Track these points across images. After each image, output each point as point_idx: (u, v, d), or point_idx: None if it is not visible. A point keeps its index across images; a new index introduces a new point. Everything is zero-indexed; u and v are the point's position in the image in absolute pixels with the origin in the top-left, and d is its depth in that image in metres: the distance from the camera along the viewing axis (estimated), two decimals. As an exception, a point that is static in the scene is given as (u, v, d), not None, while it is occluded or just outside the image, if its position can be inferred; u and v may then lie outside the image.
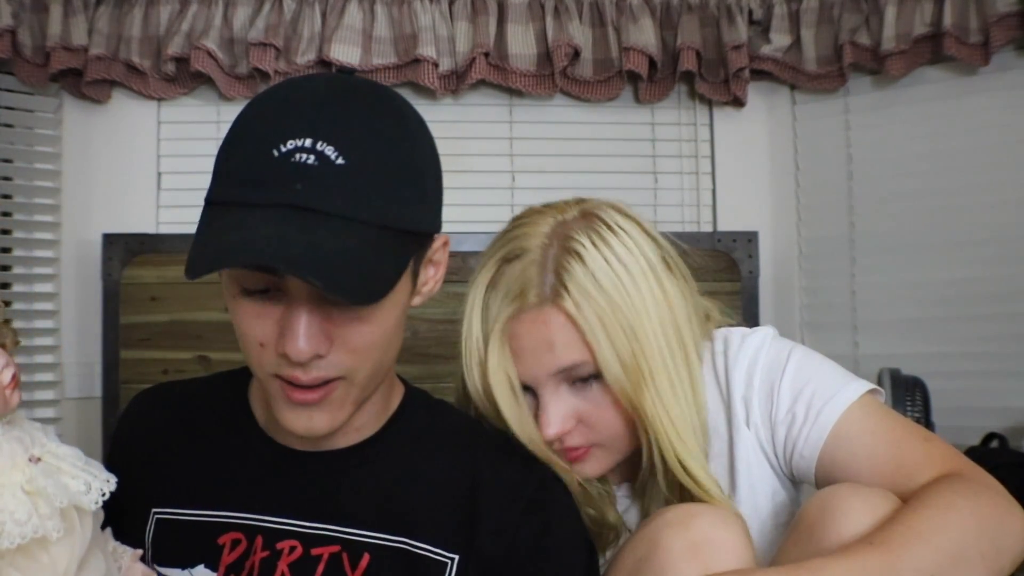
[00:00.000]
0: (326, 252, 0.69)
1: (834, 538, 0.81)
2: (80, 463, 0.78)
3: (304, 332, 0.73)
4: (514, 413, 0.94)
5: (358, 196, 0.71)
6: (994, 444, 1.77)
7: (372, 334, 0.76)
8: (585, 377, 0.95)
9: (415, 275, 0.81)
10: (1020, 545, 0.83)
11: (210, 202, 0.76)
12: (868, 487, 0.86)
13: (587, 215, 0.97)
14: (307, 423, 0.78)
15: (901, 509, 0.82)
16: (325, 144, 0.70)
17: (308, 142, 0.70)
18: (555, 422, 0.94)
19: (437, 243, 0.83)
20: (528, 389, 0.97)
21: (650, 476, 1.00)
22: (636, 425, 0.96)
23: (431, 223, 0.80)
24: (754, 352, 1.00)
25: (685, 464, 0.96)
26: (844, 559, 0.77)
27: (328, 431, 0.80)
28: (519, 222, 0.99)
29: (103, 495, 0.76)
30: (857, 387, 0.95)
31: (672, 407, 0.95)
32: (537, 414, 0.96)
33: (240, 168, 0.72)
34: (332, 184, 0.70)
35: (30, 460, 0.74)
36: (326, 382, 0.76)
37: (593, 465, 0.99)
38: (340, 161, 0.70)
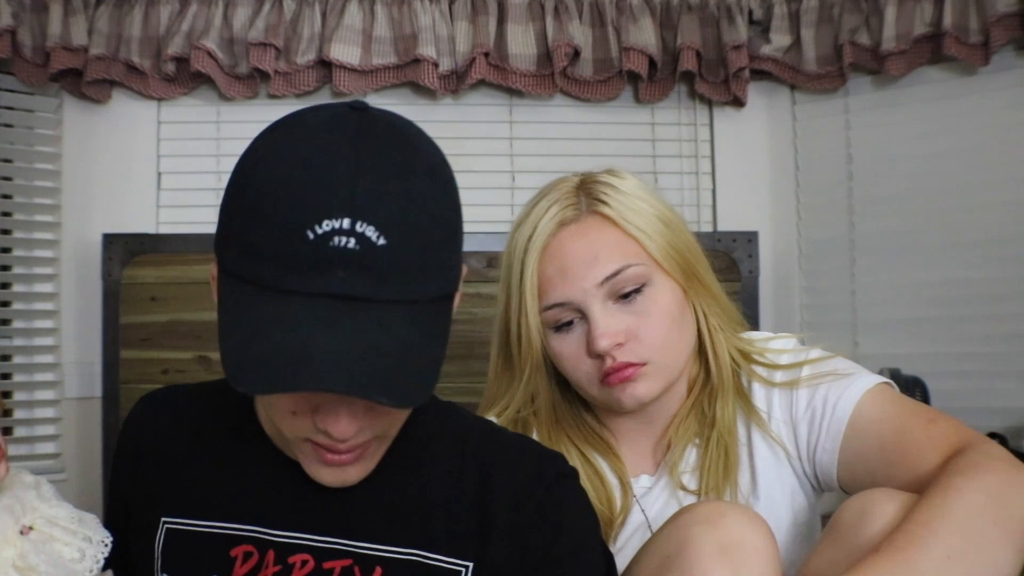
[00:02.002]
0: (385, 359, 0.66)
1: (870, 540, 0.82)
2: (73, 524, 0.77)
3: (347, 414, 0.71)
4: (564, 344, 1.01)
5: (403, 278, 0.68)
6: (994, 444, 1.77)
7: None
8: (629, 291, 0.99)
9: None
10: None
11: (232, 274, 0.71)
12: (905, 492, 0.87)
13: (597, 172, 1.08)
14: (340, 477, 0.78)
15: (909, 511, 0.83)
16: (365, 224, 0.66)
17: (346, 223, 0.66)
18: (606, 333, 0.98)
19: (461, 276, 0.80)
20: (569, 324, 1.01)
21: (687, 415, 1.05)
22: (681, 337, 1.02)
23: (461, 268, 0.78)
24: (774, 356, 1.05)
25: (742, 349, 1.05)
26: (857, 573, 0.78)
27: (360, 480, 0.79)
28: (540, 191, 1.08)
29: (97, 562, 0.76)
30: (869, 379, 0.99)
31: (720, 297, 1.06)
32: (587, 341, 0.99)
33: (270, 246, 0.67)
34: (376, 269, 0.67)
35: (21, 532, 0.74)
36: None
37: (645, 385, 1.00)
38: (382, 242, 0.67)
